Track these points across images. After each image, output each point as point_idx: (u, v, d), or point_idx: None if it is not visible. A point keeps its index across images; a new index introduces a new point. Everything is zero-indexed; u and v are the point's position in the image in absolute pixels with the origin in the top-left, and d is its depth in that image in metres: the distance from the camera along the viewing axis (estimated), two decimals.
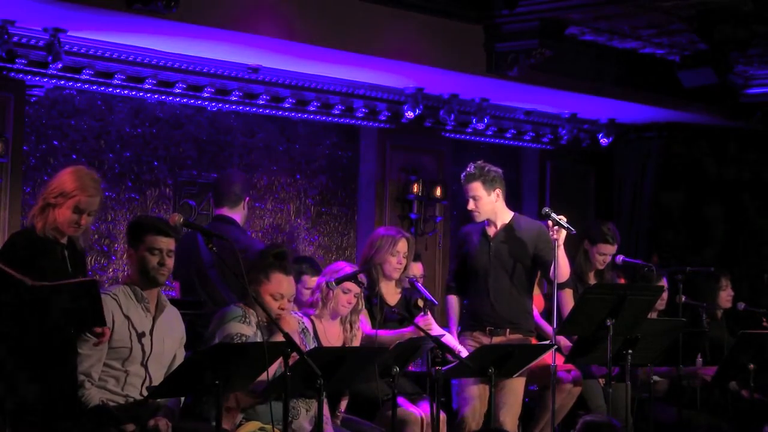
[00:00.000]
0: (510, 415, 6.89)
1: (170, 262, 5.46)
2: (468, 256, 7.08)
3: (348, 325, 6.61)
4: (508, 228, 7.03)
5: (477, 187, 6.95)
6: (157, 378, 5.41)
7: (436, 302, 7.03)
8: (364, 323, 6.79)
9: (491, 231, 7.05)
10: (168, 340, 5.53)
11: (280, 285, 5.82)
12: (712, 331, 8.16)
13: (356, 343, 6.65)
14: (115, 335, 5.31)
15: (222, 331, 5.70)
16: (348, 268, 6.53)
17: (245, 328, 5.69)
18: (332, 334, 6.50)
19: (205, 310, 6.82)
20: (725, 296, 8.60)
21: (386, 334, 6.74)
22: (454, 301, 7.16)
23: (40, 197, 5.32)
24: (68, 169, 5.38)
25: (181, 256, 7.18)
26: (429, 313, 6.80)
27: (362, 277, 6.63)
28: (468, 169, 7.02)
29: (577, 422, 7.38)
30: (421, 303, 7.21)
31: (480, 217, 7.02)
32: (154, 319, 5.47)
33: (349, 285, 6.48)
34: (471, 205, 6.99)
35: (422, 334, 6.24)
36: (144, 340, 5.39)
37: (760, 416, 7.61)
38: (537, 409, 7.52)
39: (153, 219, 5.70)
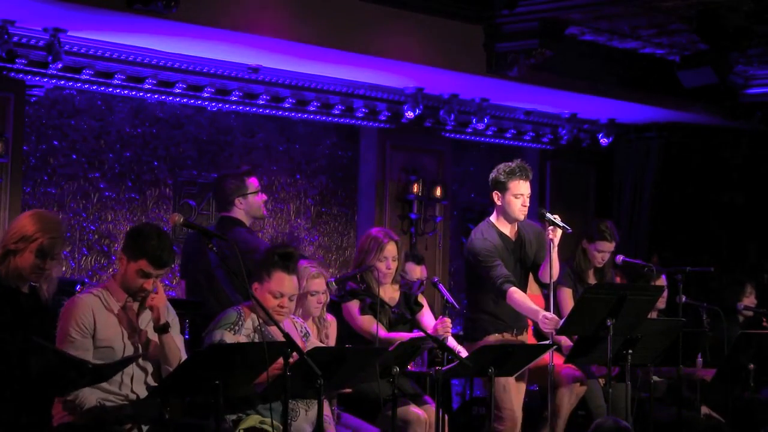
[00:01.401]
0: (519, 402, 6.92)
1: (154, 285, 5.32)
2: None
3: (319, 322, 6.60)
4: (519, 229, 7.01)
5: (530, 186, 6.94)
6: (150, 373, 5.36)
7: (458, 306, 6.98)
8: (374, 326, 6.76)
9: (511, 233, 7.00)
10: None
11: (281, 284, 5.82)
12: (726, 333, 8.13)
13: (332, 337, 6.64)
14: (100, 335, 5.21)
15: (210, 336, 5.71)
16: (312, 269, 6.49)
17: (230, 337, 5.67)
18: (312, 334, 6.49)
19: (207, 311, 6.81)
20: (747, 303, 8.62)
21: (400, 337, 6.71)
22: (519, 292, 6.80)
23: (0, 246, 5.05)
24: (27, 213, 5.16)
25: (188, 255, 7.16)
26: (446, 316, 6.78)
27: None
28: (528, 167, 6.89)
29: (577, 421, 7.42)
30: (421, 299, 7.20)
31: (524, 216, 6.97)
32: (139, 314, 5.37)
33: (316, 286, 6.46)
34: (526, 203, 6.88)
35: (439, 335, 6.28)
36: (131, 337, 5.30)
37: (760, 416, 7.60)
38: (546, 412, 7.45)
39: (156, 242, 5.25)
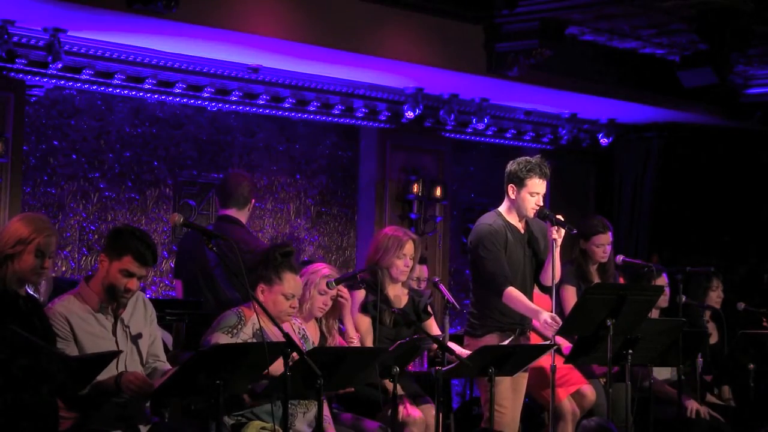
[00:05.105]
0: (517, 411, 6.86)
1: (137, 285, 5.28)
2: (505, 252, 6.77)
3: (325, 329, 6.54)
4: (527, 224, 6.94)
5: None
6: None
7: (458, 306, 6.93)
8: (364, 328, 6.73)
9: (521, 227, 6.93)
10: (138, 328, 5.37)
11: (292, 284, 5.81)
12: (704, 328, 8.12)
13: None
14: (78, 344, 5.14)
15: (208, 340, 5.67)
16: (326, 269, 6.47)
17: (226, 340, 5.60)
18: (310, 335, 6.45)
19: (206, 310, 6.80)
20: (714, 297, 8.55)
21: None
22: (517, 291, 6.69)
23: None
24: (15, 218, 5.12)
25: (185, 255, 7.17)
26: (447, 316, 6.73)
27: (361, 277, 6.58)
28: (547, 165, 6.78)
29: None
30: (429, 309, 7.16)
31: (534, 214, 6.88)
32: (116, 317, 5.30)
33: (326, 287, 6.42)
34: (540, 202, 6.75)
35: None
36: (109, 342, 5.22)
37: (759, 416, 7.60)
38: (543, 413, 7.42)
39: (139, 240, 5.24)
